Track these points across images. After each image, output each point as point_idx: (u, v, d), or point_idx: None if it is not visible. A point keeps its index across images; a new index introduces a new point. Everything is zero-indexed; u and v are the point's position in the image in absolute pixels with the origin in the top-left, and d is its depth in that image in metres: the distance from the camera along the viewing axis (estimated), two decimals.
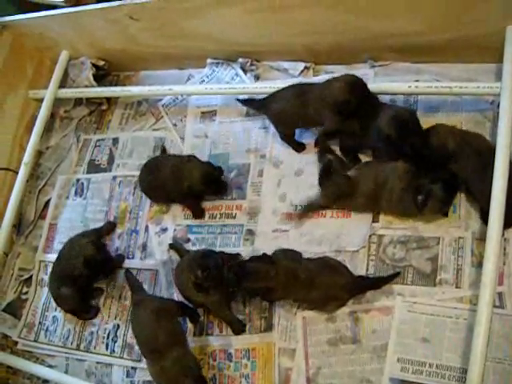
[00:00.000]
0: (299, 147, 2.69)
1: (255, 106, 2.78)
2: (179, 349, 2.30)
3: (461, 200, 2.30)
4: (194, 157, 2.72)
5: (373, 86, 2.44)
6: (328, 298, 2.29)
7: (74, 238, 2.77)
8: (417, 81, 2.53)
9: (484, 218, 2.19)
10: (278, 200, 2.65)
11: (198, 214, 2.76)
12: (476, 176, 2.21)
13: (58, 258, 2.75)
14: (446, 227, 2.29)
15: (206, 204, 2.77)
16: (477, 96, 2.45)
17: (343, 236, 2.45)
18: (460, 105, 2.45)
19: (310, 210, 2.53)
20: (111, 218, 2.96)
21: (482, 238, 2.16)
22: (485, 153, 2.20)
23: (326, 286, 2.25)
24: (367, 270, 2.36)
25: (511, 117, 2.16)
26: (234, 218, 2.69)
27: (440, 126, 2.34)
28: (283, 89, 2.61)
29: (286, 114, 2.57)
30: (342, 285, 2.26)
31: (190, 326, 2.55)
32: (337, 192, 2.42)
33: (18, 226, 3.16)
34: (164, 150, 2.99)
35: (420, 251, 2.30)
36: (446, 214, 2.29)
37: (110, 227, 2.90)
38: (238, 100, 2.82)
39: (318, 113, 2.46)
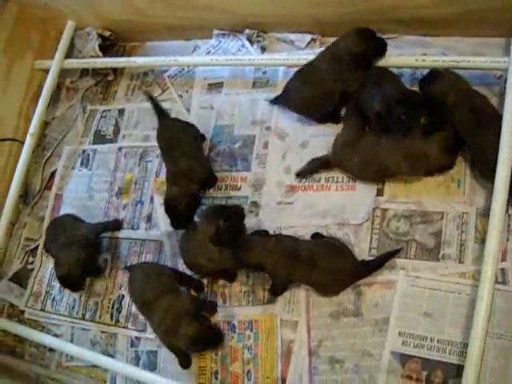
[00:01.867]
0: (337, 119, 2.61)
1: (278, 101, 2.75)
2: (169, 296, 2.35)
3: (465, 176, 2.29)
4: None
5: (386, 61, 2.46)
6: (331, 281, 2.29)
7: (71, 223, 2.81)
8: (424, 54, 2.51)
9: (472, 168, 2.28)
10: (282, 172, 2.65)
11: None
12: (470, 131, 2.21)
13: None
14: (450, 202, 2.28)
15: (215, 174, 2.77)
16: (484, 70, 2.42)
17: (347, 209, 2.44)
18: (467, 79, 2.41)
19: (315, 166, 2.55)
20: (116, 189, 2.97)
21: (486, 214, 2.15)
22: (484, 111, 2.22)
23: (331, 269, 2.24)
24: (370, 243, 2.36)
25: None
26: (239, 189, 2.70)
27: (448, 75, 2.32)
28: (291, 80, 2.62)
29: (308, 100, 2.56)
30: (347, 270, 2.26)
31: None
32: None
33: (25, 196, 3.17)
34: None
35: (424, 226, 2.30)
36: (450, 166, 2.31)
37: (115, 225, 2.88)
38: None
39: (337, 77, 2.46)
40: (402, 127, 2.24)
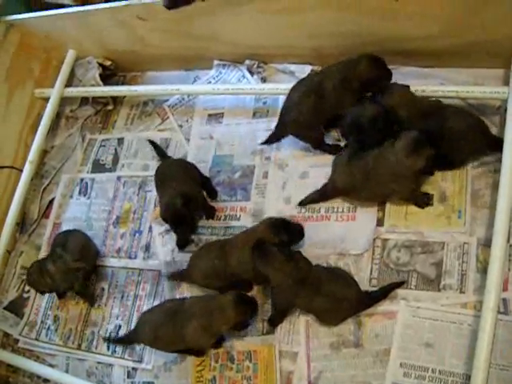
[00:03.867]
0: (335, 149, 2.61)
1: (275, 133, 2.71)
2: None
3: (466, 206, 2.29)
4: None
5: None
6: (334, 309, 2.25)
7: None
8: (424, 85, 2.51)
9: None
10: (282, 202, 2.63)
11: (181, 244, 2.73)
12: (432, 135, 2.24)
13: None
14: (450, 232, 2.27)
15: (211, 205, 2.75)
16: (483, 101, 2.44)
17: (347, 239, 2.43)
18: (466, 109, 2.43)
19: (315, 199, 2.55)
20: (114, 218, 2.95)
21: (486, 244, 2.15)
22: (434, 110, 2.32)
23: (334, 296, 2.21)
24: (371, 273, 2.34)
25: None
26: (239, 219, 2.68)
27: (396, 91, 2.38)
28: (288, 96, 2.59)
29: (305, 117, 2.53)
30: (351, 298, 2.22)
31: None
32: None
33: (22, 224, 3.15)
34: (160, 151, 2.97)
35: (424, 256, 2.28)
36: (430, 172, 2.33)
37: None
38: (263, 143, 2.76)
39: (340, 99, 2.48)
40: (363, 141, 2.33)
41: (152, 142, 2.97)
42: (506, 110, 2.24)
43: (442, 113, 2.31)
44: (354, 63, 2.45)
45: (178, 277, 2.63)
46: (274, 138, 2.71)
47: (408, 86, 2.39)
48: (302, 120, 2.54)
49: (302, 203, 2.57)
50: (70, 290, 2.81)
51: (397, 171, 2.24)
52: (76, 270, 2.68)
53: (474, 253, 2.21)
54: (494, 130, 2.36)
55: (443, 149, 2.26)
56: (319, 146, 2.64)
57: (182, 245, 2.70)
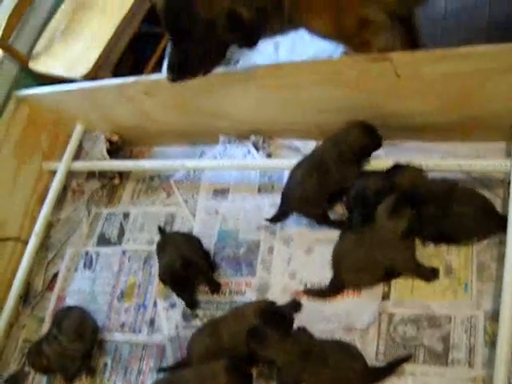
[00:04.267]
0: (339, 224, 2.61)
1: (279, 212, 2.73)
2: None
3: (472, 279, 2.28)
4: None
5: (384, 165, 2.49)
6: (341, 382, 2.21)
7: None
8: (426, 159, 2.53)
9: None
10: (287, 278, 2.62)
11: (189, 305, 2.72)
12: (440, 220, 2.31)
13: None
14: (457, 306, 2.25)
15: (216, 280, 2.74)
16: (486, 174, 2.46)
17: (353, 314, 2.40)
18: (469, 183, 2.46)
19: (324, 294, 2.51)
20: (118, 292, 2.94)
21: (494, 317, 2.13)
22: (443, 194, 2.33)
23: (341, 369, 2.17)
24: (377, 348, 2.31)
25: None
26: (244, 294, 2.66)
27: (407, 173, 2.40)
28: (291, 175, 2.63)
29: (309, 195, 2.55)
30: (358, 371, 2.18)
31: None
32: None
33: (25, 296, 3.13)
34: (162, 231, 2.98)
35: (431, 330, 2.25)
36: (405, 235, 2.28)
37: None
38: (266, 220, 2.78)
39: (342, 172, 2.52)
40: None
41: (160, 228, 2.99)
42: (509, 183, 2.26)
43: (451, 195, 2.33)
44: (344, 135, 2.53)
45: (178, 366, 2.58)
46: (278, 217, 2.73)
47: (422, 170, 2.41)
48: (306, 198, 2.57)
49: (309, 292, 2.55)
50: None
51: (383, 237, 2.26)
52: (72, 351, 2.66)
53: (482, 326, 2.18)
54: (498, 202, 2.38)
55: (450, 229, 2.31)
56: (324, 221, 2.64)
57: (190, 305, 2.70)
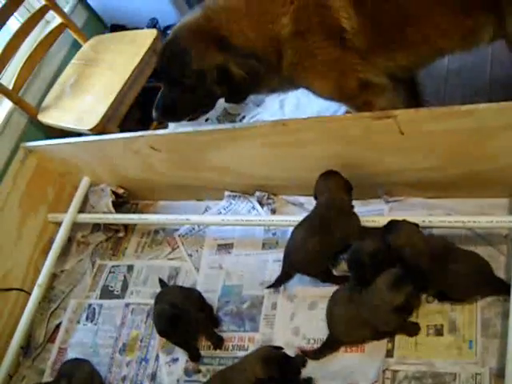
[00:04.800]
0: (343, 280, 2.59)
1: (282, 274, 2.72)
2: None
3: (477, 336, 2.26)
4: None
5: (387, 220, 2.49)
6: None
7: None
8: (430, 215, 2.56)
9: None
10: (291, 333, 2.61)
11: (191, 357, 2.72)
12: (436, 276, 2.31)
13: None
14: (462, 363, 2.23)
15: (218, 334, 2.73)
16: (490, 230, 2.47)
17: (356, 370, 2.38)
18: (473, 239, 2.47)
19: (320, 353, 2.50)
20: (120, 345, 2.92)
21: (500, 375, 2.11)
22: (439, 252, 2.32)
23: None
24: None
25: None
26: (247, 350, 2.64)
27: (403, 231, 2.38)
28: (292, 236, 2.64)
29: (311, 257, 2.55)
30: None
31: None
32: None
33: (26, 347, 3.10)
34: (163, 284, 2.98)
35: None
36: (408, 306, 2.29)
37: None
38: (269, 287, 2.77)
39: (344, 228, 2.52)
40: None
41: (160, 280, 2.98)
42: None
43: (449, 255, 2.33)
44: (332, 186, 2.58)
45: None
46: (281, 280, 2.72)
47: (417, 225, 2.41)
48: (309, 260, 2.57)
49: (305, 353, 2.52)
50: None
51: (376, 303, 2.26)
52: None
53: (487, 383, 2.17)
54: (501, 259, 2.39)
55: (446, 287, 2.33)
56: (327, 279, 2.64)
57: (192, 358, 2.69)
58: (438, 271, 2.29)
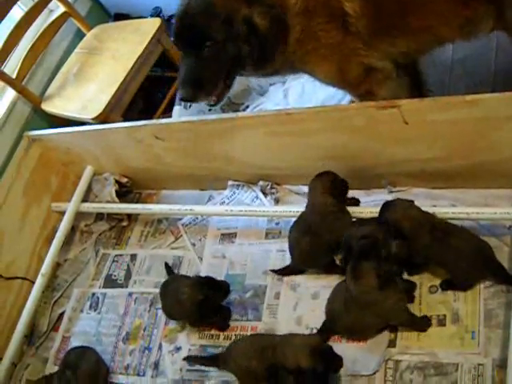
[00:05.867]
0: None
1: (290, 267, 2.76)
2: None
3: (480, 326, 2.26)
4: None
5: None
6: None
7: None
8: (434, 206, 2.55)
9: (457, 283, 2.36)
10: (294, 323, 2.61)
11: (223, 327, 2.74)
12: (436, 250, 2.31)
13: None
14: (464, 353, 2.23)
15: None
16: (494, 221, 2.46)
17: (358, 361, 2.38)
18: (477, 230, 2.46)
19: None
20: (124, 334, 2.92)
21: (502, 365, 2.11)
22: (438, 228, 2.31)
23: None
24: None
25: None
26: None
27: (399, 206, 2.40)
28: (290, 235, 2.68)
29: (307, 253, 2.60)
30: None
31: None
32: None
33: (30, 336, 3.12)
34: (169, 271, 3.00)
35: (438, 378, 2.23)
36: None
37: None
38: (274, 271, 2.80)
39: (332, 229, 2.53)
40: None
41: (166, 265, 3.01)
42: None
43: (450, 230, 2.34)
44: (315, 190, 2.64)
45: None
46: (287, 271, 2.76)
47: (412, 201, 2.42)
48: (305, 258, 2.64)
49: None
50: None
51: (367, 300, 2.26)
52: None
53: (490, 374, 2.15)
54: (505, 250, 2.39)
55: (444, 262, 2.34)
56: (330, 270, 2.65)
57: (223, 327, 2.73)
58: (438, 246, 2.29)
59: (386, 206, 2.43)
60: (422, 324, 2.34)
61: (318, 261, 2.64)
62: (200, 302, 2.55)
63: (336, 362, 2.21)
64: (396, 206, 2.41)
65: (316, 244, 2.55)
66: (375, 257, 2.22)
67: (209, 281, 2.65)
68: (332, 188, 2.58)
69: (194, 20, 2.37)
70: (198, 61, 2.40)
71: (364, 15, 2.37)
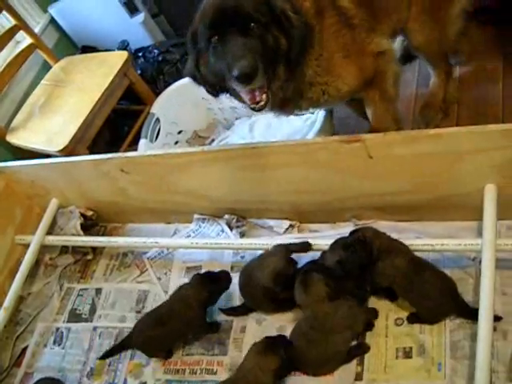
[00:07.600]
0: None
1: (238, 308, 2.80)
2: None
3: (446, 358, 2.26)
4: None
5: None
6: None
7: None
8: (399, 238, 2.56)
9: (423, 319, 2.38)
10: None
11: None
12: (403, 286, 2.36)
13: None
14: None
15: (186, 359, 2.71)
16: (458, 253, 2.49)
17: None
18: (442, 262, 2.49)
19: None
20: (88, 369, 2.87)
21: None
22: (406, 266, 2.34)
23: None
24: None
25: (493, 273, 2.19)
26: (215, 373, 2.62)
27: (371, 228, 2.50)
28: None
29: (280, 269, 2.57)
30: None
31: None
32: None
33: None
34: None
35: None
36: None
37: None
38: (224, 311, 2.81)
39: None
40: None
41: None
42: (480, 262, 2.28)
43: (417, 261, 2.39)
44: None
45: None
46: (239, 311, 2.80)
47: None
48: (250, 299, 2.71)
49: None
50: None
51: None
52: None
53: None
54: (470, 282, 2.41)
55: (415, 306, 2.37)
56: (277, 309, 2.69)
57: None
58: (405, 279, 2.34)
59: (358, 229, 2.49)
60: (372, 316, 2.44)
61: (262, 303, 2.67)
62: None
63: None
64: (369, 227, 2.50)
65: (254, 288, 2.60)
66: (323, 270, 2.32)
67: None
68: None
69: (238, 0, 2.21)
70: (247, 41, 2.17)
71: (359, 4, 2.46)
